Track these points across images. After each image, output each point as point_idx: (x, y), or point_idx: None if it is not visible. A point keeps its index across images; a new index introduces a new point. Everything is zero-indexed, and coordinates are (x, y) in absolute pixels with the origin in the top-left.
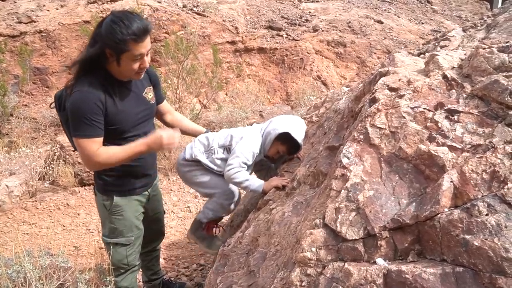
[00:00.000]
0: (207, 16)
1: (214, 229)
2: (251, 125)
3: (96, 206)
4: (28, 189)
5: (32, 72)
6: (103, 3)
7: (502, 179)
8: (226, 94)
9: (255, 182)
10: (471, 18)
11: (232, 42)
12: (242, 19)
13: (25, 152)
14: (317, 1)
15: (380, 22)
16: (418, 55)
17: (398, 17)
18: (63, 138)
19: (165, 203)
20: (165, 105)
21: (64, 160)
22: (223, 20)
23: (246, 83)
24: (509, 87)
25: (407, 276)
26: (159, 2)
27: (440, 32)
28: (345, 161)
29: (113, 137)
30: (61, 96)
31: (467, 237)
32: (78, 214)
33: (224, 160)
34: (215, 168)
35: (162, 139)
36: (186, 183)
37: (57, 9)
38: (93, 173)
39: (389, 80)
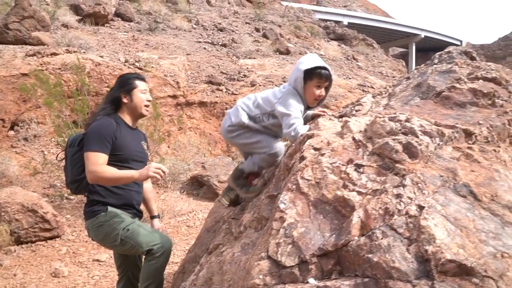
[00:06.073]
0: (149, 71)
1: (254, 180)
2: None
3: (97, 239)
4: None
5: None
6: (43, 56)
7: (391, 213)
8: (169, 147)
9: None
10: (391, 74)
11: (174, 96)
12: (183, 74)
13: None
14: (254, 58)
15: None
16: (340, 117)
17: None
18: None
19: (110, 256)
20: None
21: None
22: (165, 75)
23: (188, 135)
24: (395, 147)
25: None
26: (101, 57)
27: (365, 86)
28: (282, 206)
29: (116, 161)
30: (75, 138)
31: (370, 256)
32: (15, 275)
33: (274, 125)
34: (267, 132)
35: (150, 166)
36: (234, 145)
37: None
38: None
39: (313, 142)
